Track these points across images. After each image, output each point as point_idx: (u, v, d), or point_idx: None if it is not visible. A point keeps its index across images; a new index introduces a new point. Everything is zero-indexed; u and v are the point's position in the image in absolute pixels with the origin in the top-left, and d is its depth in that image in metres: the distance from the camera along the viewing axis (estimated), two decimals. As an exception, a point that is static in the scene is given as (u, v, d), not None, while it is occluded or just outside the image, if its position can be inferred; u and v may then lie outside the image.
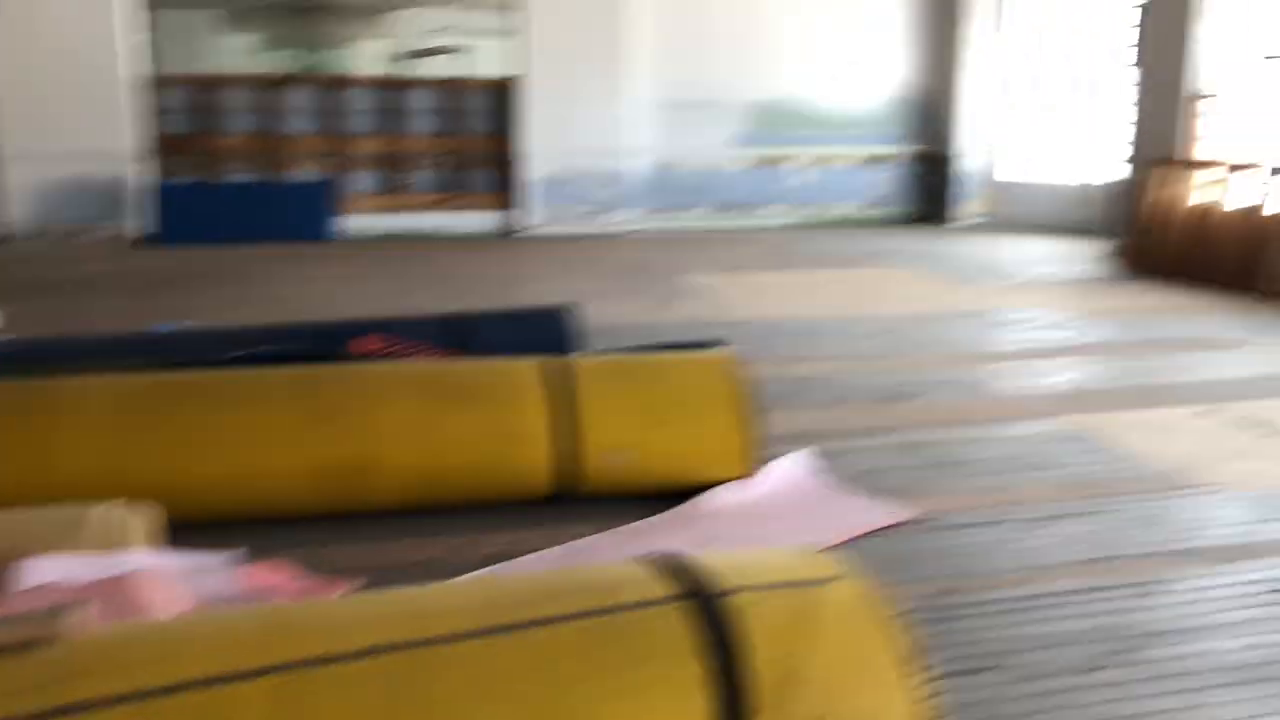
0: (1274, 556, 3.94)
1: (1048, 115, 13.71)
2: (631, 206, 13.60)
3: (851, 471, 4.82)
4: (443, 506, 4.31)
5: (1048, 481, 4.74)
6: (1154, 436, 5.39)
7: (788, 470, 4.59)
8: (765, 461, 4.69)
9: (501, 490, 4.36)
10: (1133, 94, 11.48)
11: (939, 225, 14.31)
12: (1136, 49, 11.50)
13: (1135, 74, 11.45)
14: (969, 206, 14.30)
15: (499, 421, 4.30)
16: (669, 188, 13.88)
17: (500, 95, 13.28)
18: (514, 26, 12.98)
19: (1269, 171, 9.55)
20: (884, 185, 14.62)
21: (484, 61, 13.43)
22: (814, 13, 13.89)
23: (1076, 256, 11.59)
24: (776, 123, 14.07)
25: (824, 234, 13.54)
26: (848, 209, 14.51)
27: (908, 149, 14.60)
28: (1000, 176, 14.11)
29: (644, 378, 4.48)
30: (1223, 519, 4.32)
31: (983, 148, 14.13)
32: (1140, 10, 11.41)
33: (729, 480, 4.44)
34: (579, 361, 4.52)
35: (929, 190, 14.67)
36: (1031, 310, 8.62)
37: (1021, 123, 13.93)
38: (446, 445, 4.16)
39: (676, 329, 7.78)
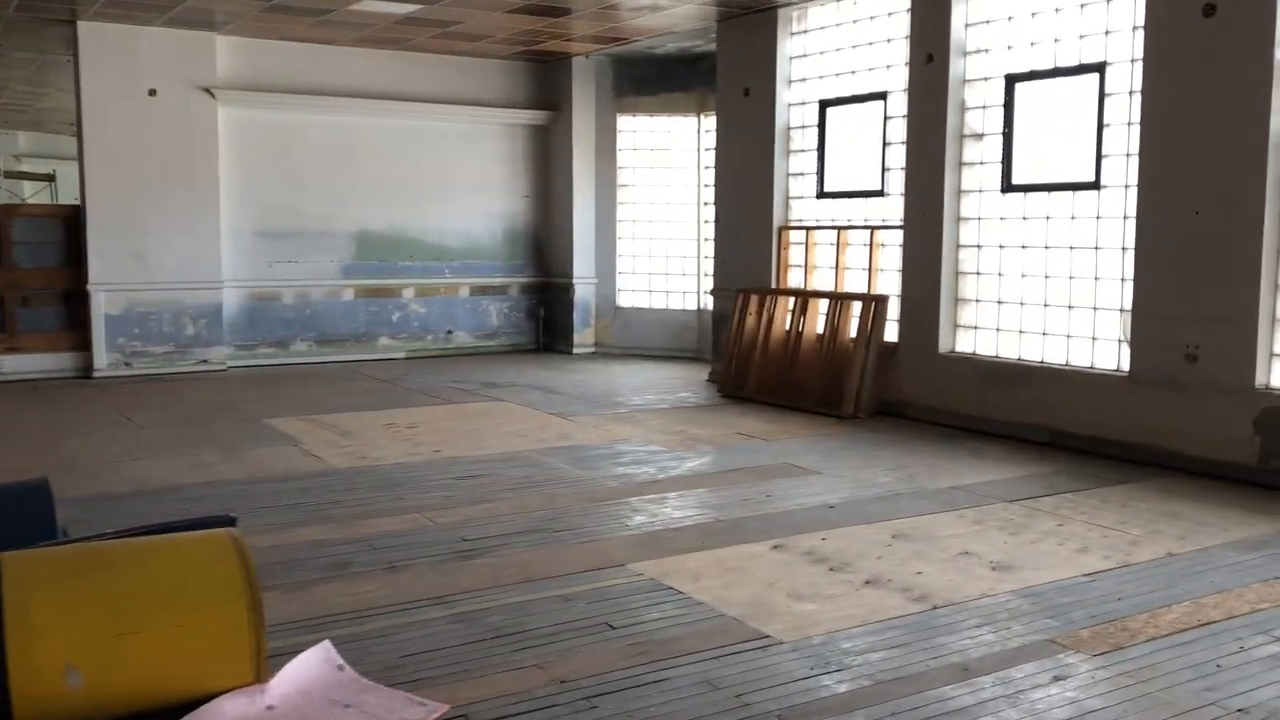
0: (821, 718, 3.72)
1: (659, 244, 14.13)
2: (224, 343, 12.50)
3: (394, 657, 4.22)
4: None
5: (613, 645, 4.36)
6: (728, 578, 5.20)
7: (306, 668, 3.90)
8: (288, 656, 4.01)
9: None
10: (713, 228, 12.02)
11: (559, 353, 14.27)
12: (714, 187, 12.09)
13: (713, 210, 12.02)
14: (588, 334, 14.38)
15: (-90, 645, 3.33)
16: (266, 321, 12.92)
17: (70, 225, 11.88)
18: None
19: (844, 299, 10.15)
20: (502, 314, 14.44)
21: (65, 188, 12.03)
22: (420, 143, 13.63)
23: (683, 382, 11.81)
24: (386, 253, 13.56)
25: (438, 366, 13.08)
26: (465, 339, 14.17)
27: (525, 278, 14.56)
28: (618, 304, 14.32)
29: (117, 572, 3.66)
30: (781, 674, 4.08)
31: (600, 276, 14.31)
32: (714, 152, 12.03)
33: (232, 689, 3.68)
34: (30, 556, 3.64)
35: (548, 319, 14.65)
36: (629, 443, 8.50)
37: (636, 252, 14.26)
38: None
39: (235, 487, 6.94)
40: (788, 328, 10.68)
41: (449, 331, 14.06)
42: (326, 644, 4.13)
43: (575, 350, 14.27)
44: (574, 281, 14.22)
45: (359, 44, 12.88)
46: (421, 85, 13.49)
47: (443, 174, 13.82)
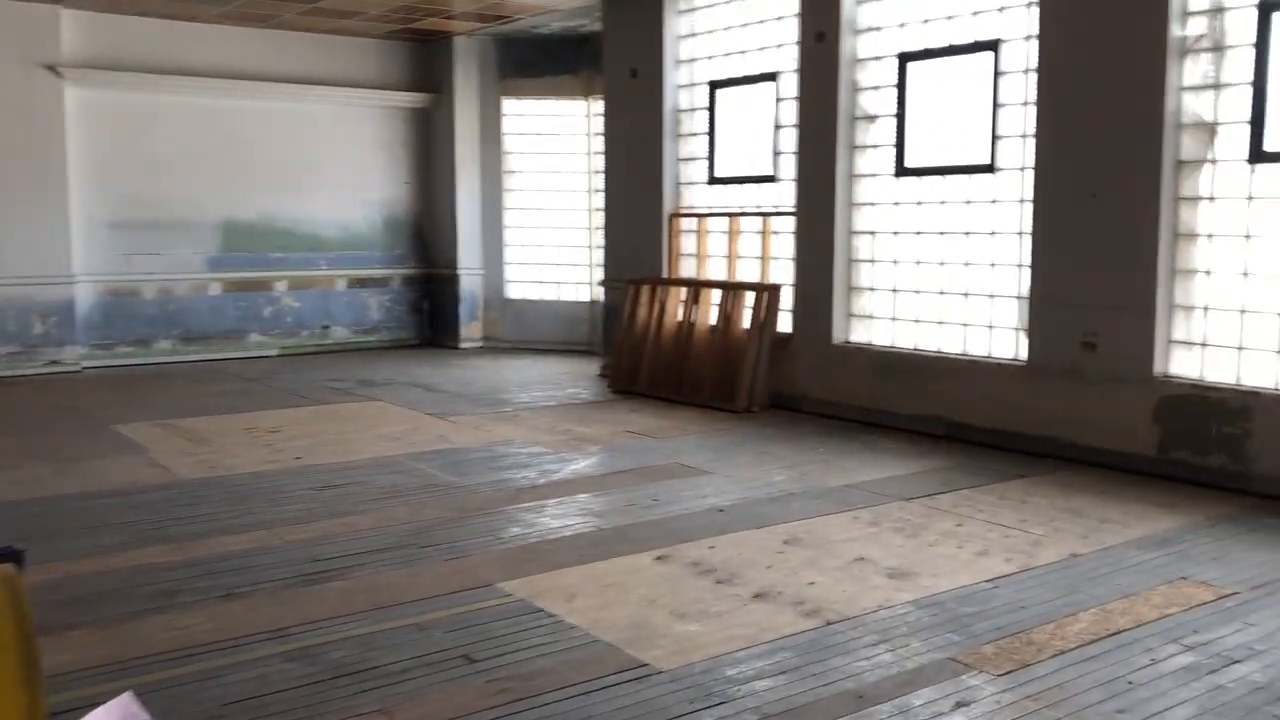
0: (702, 767, 3.28)
1: (550, 232, 13.59)
2: (77, 342, 11.58)
3: (213, 706, 3.65)
4: None
5: (470, 682, 3.85)
6: (606, 596, 4.73)
7: (97, 730, 3.30)
8: (85, 711, 3.41)
9: None
10: (604, 215, 11.55)
11: (444, 348, 13.64)
12: (603, 173, 11.60)
13: (604, 197, 11.54)
14: (475, 328, 13.78)
15: None
16: (125, 318, 12.02)
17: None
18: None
19: (736, 289, 9.77)
20: (383, 308, 13.74)
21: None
22: (291, 127, 12.85)
23: (574, 377, 11.31)
24: (255, 244, 12.75)
25: (314, 363, 12.34)
26: (343, 335, 13.43)
27: (407, 269, 13.88)
28: (506, 295, 13.74)
29: None
30: (658, 710, 3.63)
31: (487, 266, 13.71)
32: (604, 137, 11.52)
33: (0, 761, 3.07)
34: None
35: (432, 312, 14.00)
36: (511, 445, 7.97)
37: (525, 241, 13.70)
38: None
39: (64, 504, 6.22)
40: (680, 319, 10.26)
41: (325, 326, 13.31)
42: (128, 695, 3.52)
43: (462, 345, 13.66)
44: (459, 272, 13.60)
45: (222, 20, 12.04)
46: (292, 65, 12.71)
47: (316, 160, 13.07)
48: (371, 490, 6.60)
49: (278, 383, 10.92)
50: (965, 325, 8.25)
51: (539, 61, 13.22)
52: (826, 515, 6.08)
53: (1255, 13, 6.48)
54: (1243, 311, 6.70)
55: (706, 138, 10.40)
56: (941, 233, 8.38)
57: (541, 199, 13.62)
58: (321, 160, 13.09)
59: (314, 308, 13.21)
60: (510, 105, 13.55)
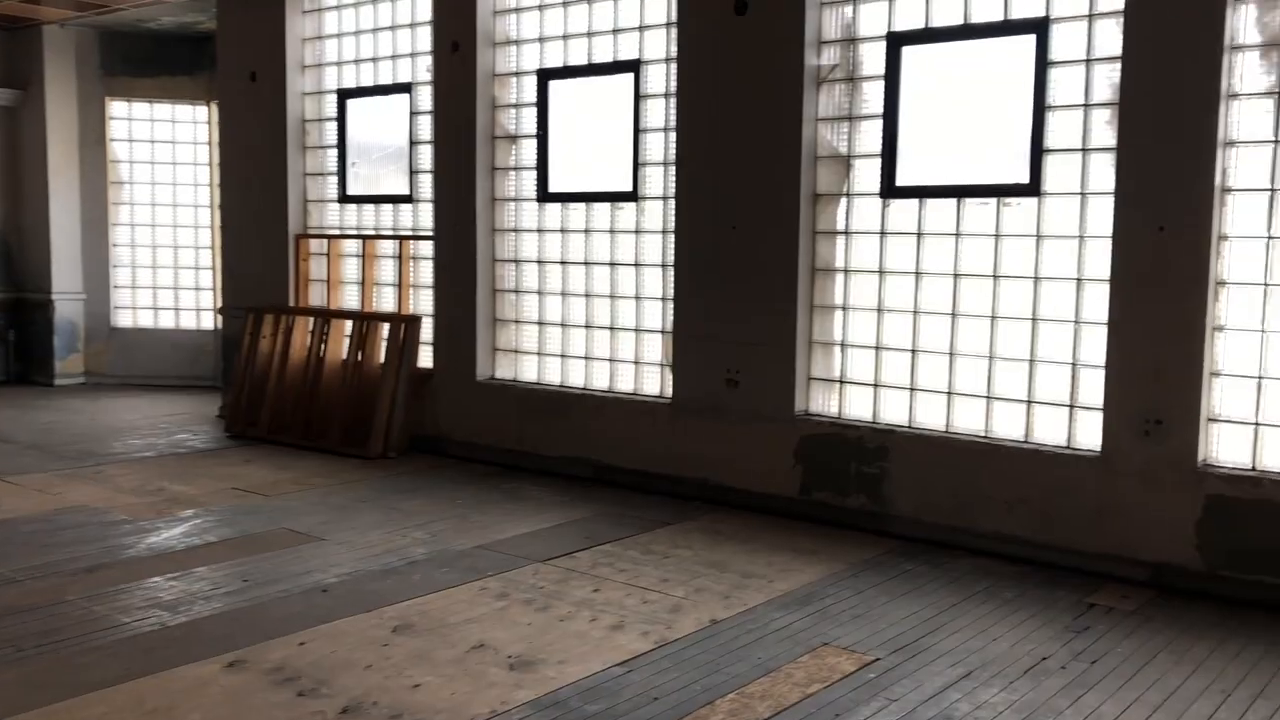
0: None
1: (167, 252, 11.96)
2: None
3: None
4: None
5: None
6: (148, 728, 3.69)
7: None
8: None
9: None
10: (222, 235, 10.27)
11: (37, 386, 11.68)
12: (220, 187, 10.30)
13: (221, 214, 10.25)
14: (75, 362, 11.89)
15: None
16: None
17: None
18: None
19: (371, 320, 8.82)
20: (-44, 339, 11.61)
21: None
22: None
23: (189, 419, 9.88)
24: None
25: None
26: (-100, 372, 11.20)
27: (-10, 294, 11.82)
28: (114, 324, 11.95)
29: None
30: None
31: (90, 290, 11.86)
32: (220, 147, 10.22)
33: None
34: None
35: (21, 343, 11.96)
36: (80, 513, 6.59)
37: (138, 261, 11.97)
38: None
39: None
40: (308, 353, 9.16)
41: (-126, 363, 11.04)
42: None
43: (58, 381, 11.75)
44: (54, 297, 11.69)
45: None
46: None
47: None
48: None
49: None
50: (612, 361, 7.77)
51: (151, 59, 11.63)
52: (451, 588, 5.30)
53: (885, 45, 6.38)
54: (877, 348, 6.58)
55: (336, 151, 9.38)
56: (586, 263, 7.86)
57: (157, 214, 11.99)
58: None
59: None
60: (117, 107, 11.85)
